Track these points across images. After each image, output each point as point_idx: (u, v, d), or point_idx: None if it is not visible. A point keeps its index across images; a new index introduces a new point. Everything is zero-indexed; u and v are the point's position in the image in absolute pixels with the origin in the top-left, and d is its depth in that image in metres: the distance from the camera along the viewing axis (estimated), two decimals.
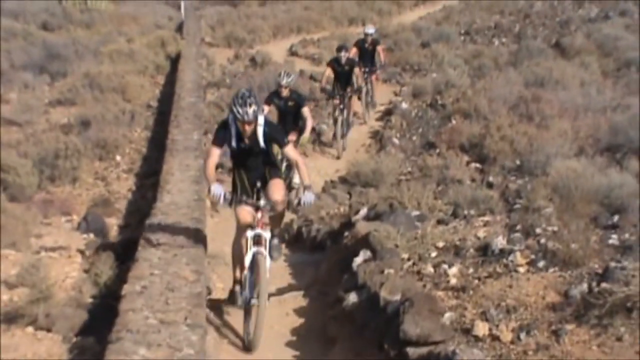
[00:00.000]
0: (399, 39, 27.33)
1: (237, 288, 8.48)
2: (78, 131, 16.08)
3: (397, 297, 7.53)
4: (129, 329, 6.95)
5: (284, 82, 12.55)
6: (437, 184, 11.91)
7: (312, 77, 21.50)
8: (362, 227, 9.85)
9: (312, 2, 36.53)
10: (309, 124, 13.05)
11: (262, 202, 8.12)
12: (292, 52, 27.44)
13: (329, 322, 8.70)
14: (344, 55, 16.25)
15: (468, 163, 13.38)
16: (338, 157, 16.37)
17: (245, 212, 8.14)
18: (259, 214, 8.11)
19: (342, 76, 16.31)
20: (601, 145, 12.34)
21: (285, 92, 12.65)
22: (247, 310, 8.19)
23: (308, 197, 8.08)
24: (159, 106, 19.05)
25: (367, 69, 17.92)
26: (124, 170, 14.97)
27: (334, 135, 16.54)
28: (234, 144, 8.06)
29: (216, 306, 8.99)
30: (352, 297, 8.46)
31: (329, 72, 16.57)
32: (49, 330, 8.85)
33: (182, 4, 35.35)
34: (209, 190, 7.97)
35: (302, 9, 35.01)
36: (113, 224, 12.44)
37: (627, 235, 8.36)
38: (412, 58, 24.70)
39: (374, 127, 18.19)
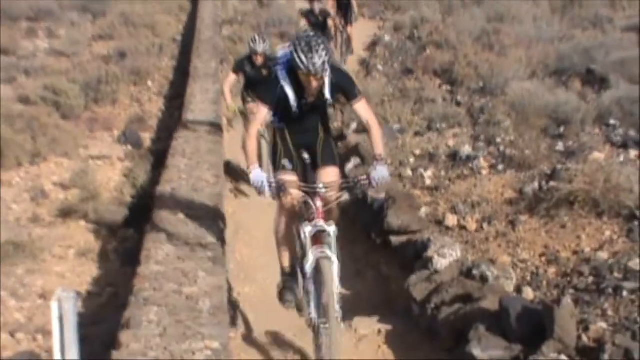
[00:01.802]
0: None
1: (288, 284, 5.37)
2: (116, 61, 15.91)
3: (382, 196, 7.51)
4: (162, 222, 6.93)
5: (259, 49, 9.03)
6: (415, 102, 11.78)
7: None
8: (352, 139, 9.78)
9: None
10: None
11: (320, 186, 4.98)
12: None
13: None
14: (317, 6, 14.02)
15: (440, 85, 13.20)
16: None
17: (292, 197, 4.97)
18: (318, 201, 4.90)
19: (317, 27, 13.88)
20: (550, 70, 12.18)
21: (260, 60, 9.07)
22: (316, 332, 4.97)
23: (381, 173, 4.86)
24: (182, 40, 18.76)
25: (343, 21, 15.33)
26: (155, 93, 14.84)
27: None
28: (292, 103, 4.92)
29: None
30: (345, 196, 8.43)
31: (304, 23, 14.48)
32: (97, 223, 8.91)
33: None
34: (249, 177, 4.92)
35: None
36: (147, 138, 12.40)
37: (570, 143, 8.37)
38: None
39: (362, 56, 17.89)
